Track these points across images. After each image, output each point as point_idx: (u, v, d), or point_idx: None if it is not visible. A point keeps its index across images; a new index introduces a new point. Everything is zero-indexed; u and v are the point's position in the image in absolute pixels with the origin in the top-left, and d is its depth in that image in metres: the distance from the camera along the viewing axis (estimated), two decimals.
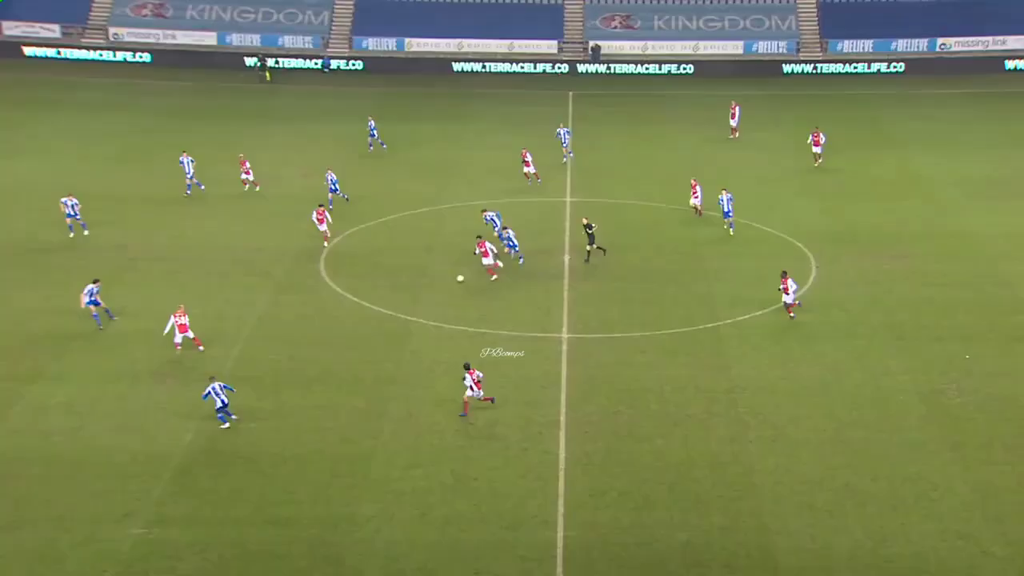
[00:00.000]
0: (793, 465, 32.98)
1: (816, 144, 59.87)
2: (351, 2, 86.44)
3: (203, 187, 54.52)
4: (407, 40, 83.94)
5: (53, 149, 61.76)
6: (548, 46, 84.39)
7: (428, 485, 31.88)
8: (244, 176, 55.00)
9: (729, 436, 34.49)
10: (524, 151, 56.84)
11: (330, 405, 35.83)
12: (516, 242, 46.33)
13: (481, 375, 35.40)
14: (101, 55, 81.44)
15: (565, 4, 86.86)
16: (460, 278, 44.23)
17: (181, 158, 54.67)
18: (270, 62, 79.68)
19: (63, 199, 48.87)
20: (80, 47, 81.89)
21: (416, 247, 48.02)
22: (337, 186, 53.09)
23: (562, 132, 61.23)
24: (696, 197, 51.71)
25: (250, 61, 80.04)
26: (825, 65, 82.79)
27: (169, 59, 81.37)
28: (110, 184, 56.06)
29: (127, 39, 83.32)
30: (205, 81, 77.58)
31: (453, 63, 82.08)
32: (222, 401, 34.28)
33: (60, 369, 37.83)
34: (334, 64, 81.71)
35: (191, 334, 38.84)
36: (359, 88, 77.40)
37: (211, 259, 46.88)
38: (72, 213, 48.63)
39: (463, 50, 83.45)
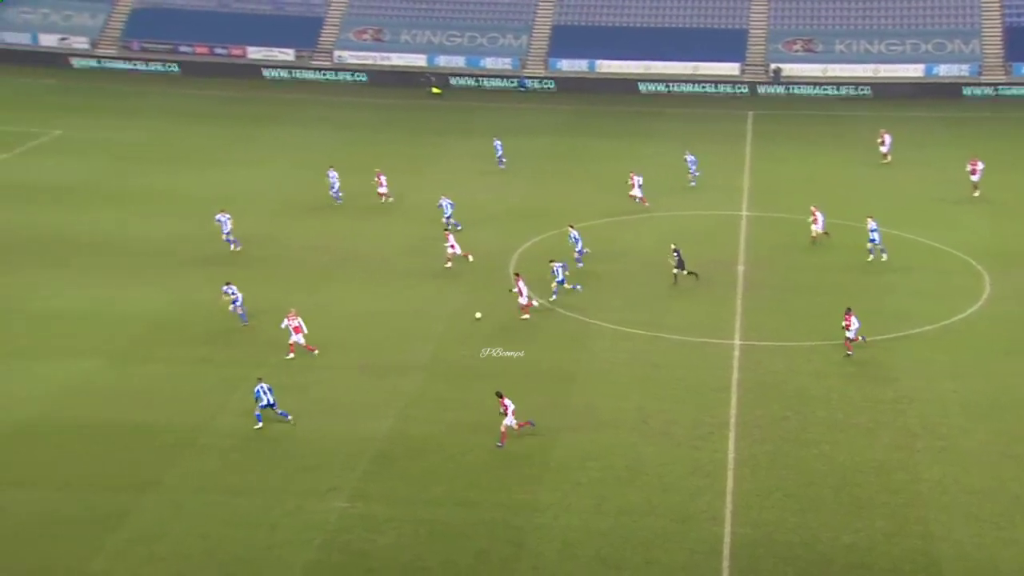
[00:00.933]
0: (961, 475, 31.57)
1: (973, 172, 56.63)
2: (548, 26, 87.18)
3: (340, 199, 54.71)
4: (598, 62, 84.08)
5: (271, 160, 64.08)
6: (730, 68, 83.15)
7: (603, 477, 31.83)
8: (380, 190, 54.98)
9: (896, 444, 33.26)
10: (632, 174, 54.99)
11: (514, 398, 36.05)
12: (563, 277, 43.57)
13: (512, 406, 33.35)
14: (326, 75, 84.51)
15: (749, 29, 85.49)
16: (478, 315, 41.49)
17: (328, 172, 55.15)
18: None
19: (217, 216, 48.78)
20: (309, 68, 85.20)
21: (598, 255, 47.97)
22: (451, 211, 50.97)
23: (689, 159, 58.76)
24: (817, 223, 49.16)
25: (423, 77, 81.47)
26: (1007, 88, 78.89)
27: (383, 79, 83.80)
28: (318, 192, 57.95)
29: (349, 61, 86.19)
30: (412, 99, 79.44)
31: (639, 83, 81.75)
32: (269, 401, 34.27)
33: (279, 359, 39.23)
34: (529, 84, 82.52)
35: (301, 339, 38.74)
36: (552, 106, 77.91)
37: (405, 262, 47.80)
38: (226, 230, 48.39)
39: (649, 71, 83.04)
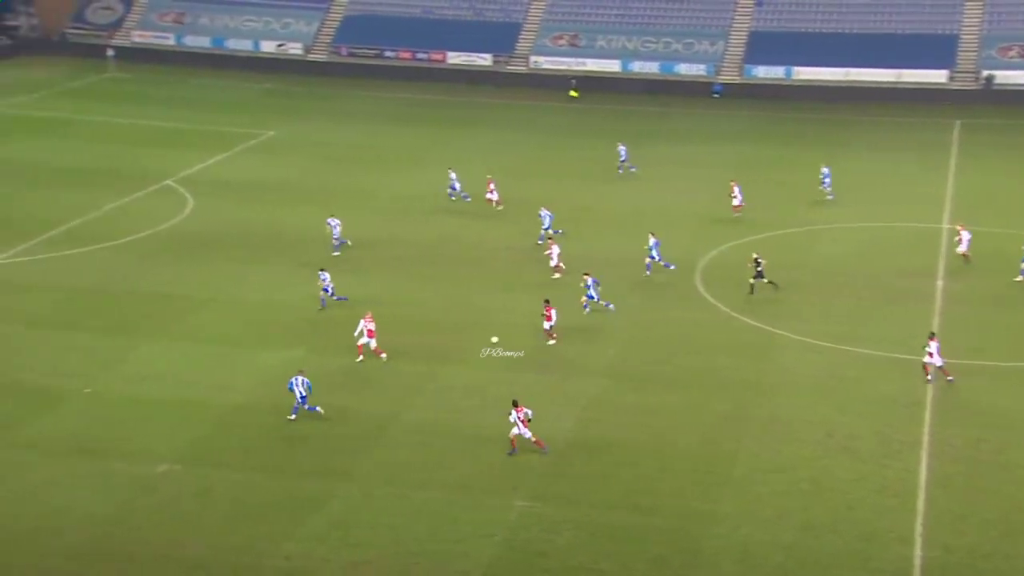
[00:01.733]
0: None
1: None
2: (744, 33, 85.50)
3: (468, 198, 55.07)
4: (795, 68, 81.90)
5: (459, 160, 65.08)
6: (937, 76, 79.52)
7: (787, 490, 30.96)
8: (489, 196, 54.73)
9: None
10: (732, 183, 53.33)
11: (695, 406, 35.61)
12: (594, 293, 42.02)
13: (530, 413, 32.37)
14: (521, 80, 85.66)
15: (960, 34, 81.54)
16: (494, 339, 39.59)
17: (450, 172, 55.97)
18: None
19: (328, 219, 49.06)
20: (505, 72, 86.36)
21: (786, 264, 46.68)
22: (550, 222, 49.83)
23: (824, 172, 56.03)
24: (962, 244, 46.37)
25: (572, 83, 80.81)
26: None
27: (579, 84, 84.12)
28: (518, 189, 58.57)
29: (544, 66, 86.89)
30: (608, 104, 79.36)
31: (838, 90, 79.19)
32: (300, 395, 34.35)
33: (464, 356, 39.80)
34: (722, 89, 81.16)
35: (373, 343, 38.63)
36: (747, 112, 76.38)
37: (597, 269, 47.63)
38: (335, 234, 48.79)
39: (849, 78, 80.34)
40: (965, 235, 46.48)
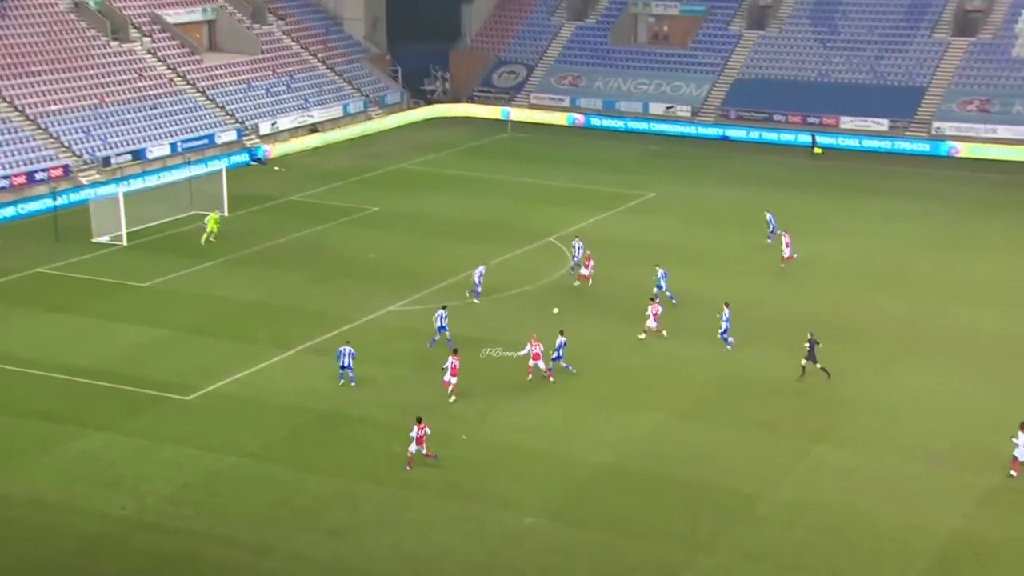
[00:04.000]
0: None
1: None
2: None
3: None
4: None
5: (856, 232, 62.82)
6: None
7: None
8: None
9: None
10: (784, 234, 54.98)
11: None
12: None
13: (428, 431, 34.87)
14: (920, 147, 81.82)
15: None
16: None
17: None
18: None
19: (476, 269, 50.47)
20: (903, 139, 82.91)
21: None
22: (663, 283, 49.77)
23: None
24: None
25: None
26: None
27: (982, 153, 79.25)
28: (905, 262, 55.76)
29: (947, 132, 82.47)
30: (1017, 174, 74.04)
31: None
32: (345, 364, 39.82)
33: (843, 434, 38.22)
34: None
35: (542, 364, 41.08)
36: None
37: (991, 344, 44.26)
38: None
39: None
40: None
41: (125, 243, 58.75)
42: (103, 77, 77.52)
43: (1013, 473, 34.86)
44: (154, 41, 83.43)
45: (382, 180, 74.06)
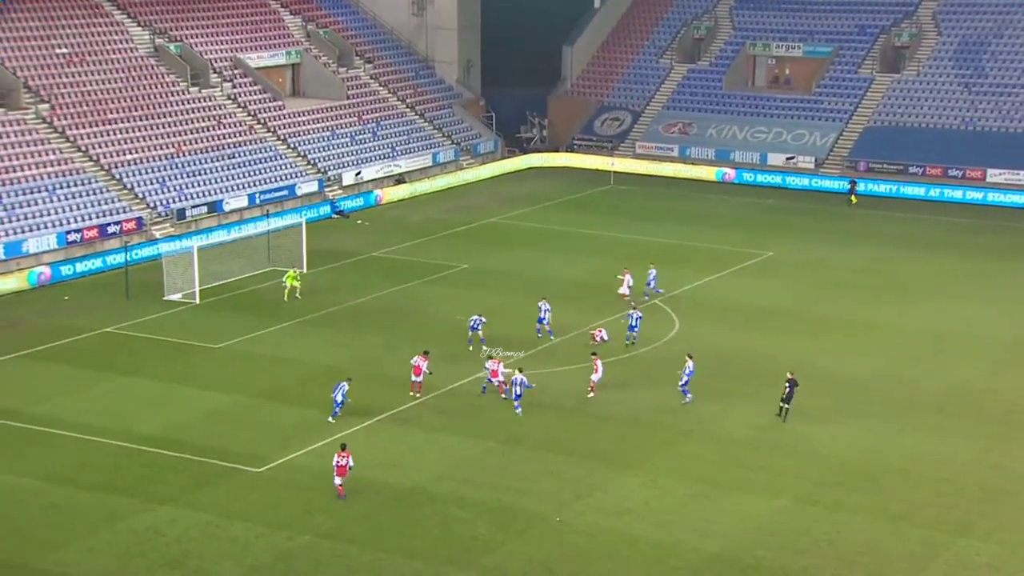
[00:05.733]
0: None
1: None
2: None
3: None
4: None
5: (1004, 298, 61.39)
6: None
7: None
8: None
9: None
10: (625, 272, 58.91)
11: None
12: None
13: (350, 464, 37.91)
14: None
15: None
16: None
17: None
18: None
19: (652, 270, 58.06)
20: None
21: None
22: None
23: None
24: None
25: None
26: None
27: None
28: None
29: None
30: None
31: None
32: (339, 399, 44.30)
33: (989, 526, 37.11)
34: None
35: (595, 377, 46.80)
36: None
37: None
38: (651, 283, 57.93)
39: None
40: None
41: (198, 301, 60.14)
42: (181, 125, 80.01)
43: None
44: (235, 87, 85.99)
45: (472, 235, 74.78)
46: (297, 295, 60.18)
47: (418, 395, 47.10)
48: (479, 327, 52.79)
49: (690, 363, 46.92)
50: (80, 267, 65.72)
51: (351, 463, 38.37)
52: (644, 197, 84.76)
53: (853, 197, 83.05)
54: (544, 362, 51.05)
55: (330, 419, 44.75)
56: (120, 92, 79.61)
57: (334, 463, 38.41)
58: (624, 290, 59.11)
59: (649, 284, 59.41)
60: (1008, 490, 39.71)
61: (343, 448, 38.69)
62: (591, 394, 47.24)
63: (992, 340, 54.71)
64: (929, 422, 45.23)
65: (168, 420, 45.54)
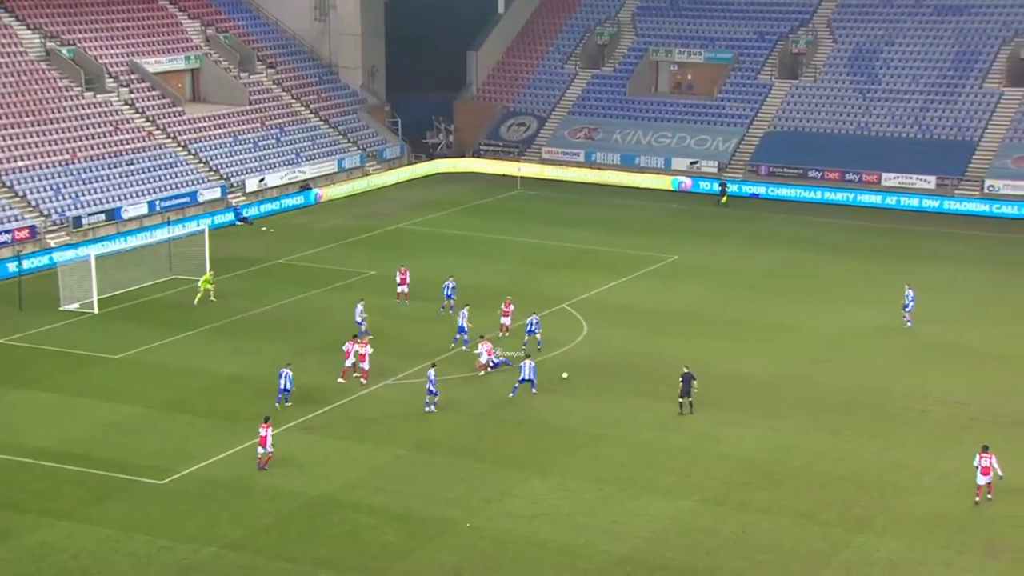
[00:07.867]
0: None
1: None
2: None
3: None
4: None
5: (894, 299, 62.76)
6: None
7: None
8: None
9: None
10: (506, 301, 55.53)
11: None
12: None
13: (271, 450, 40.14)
14: (969, 207, 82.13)
15: None
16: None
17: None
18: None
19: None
20: (952, 197, 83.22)
21: None
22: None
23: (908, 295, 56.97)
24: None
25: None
26: None
27: None
28: (964, 335, 55.65)
29: (1003, 191, 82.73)
30: None
31: None
32: (284, 387, 45.21)
33: (887, 522, 37.94)
34: None
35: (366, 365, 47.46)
36: None
37: None
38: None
39: None
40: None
41: (96, 311, 58.95)
42: (76, 131, 78.46)
43: (989, 496, 38.24)
44: (132, 91, 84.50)
45: (379, 241, 74.44)
46: (211, 298, 59.57)
47: (364, 381, 48.92)
48: (453, 295, 58.11)
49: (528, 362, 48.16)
50: None
51: (271, 439, 40.70)
52: (551, 202, 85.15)
53: (724, 198, 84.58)
54: (455, 367, 50.95)
55: (275, 405, 45.82)
56: (9, 97, 77.77)
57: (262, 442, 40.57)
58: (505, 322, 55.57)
59: (529, 330, 53.27)
60: (905, 487, 40.47)
61: (267, 420, 41.09)
62: (481, 372, 49.96)
63: (890, 341, 55.90)
64: (832, 421, 46.05)
65: (66, 433, 44.52)
